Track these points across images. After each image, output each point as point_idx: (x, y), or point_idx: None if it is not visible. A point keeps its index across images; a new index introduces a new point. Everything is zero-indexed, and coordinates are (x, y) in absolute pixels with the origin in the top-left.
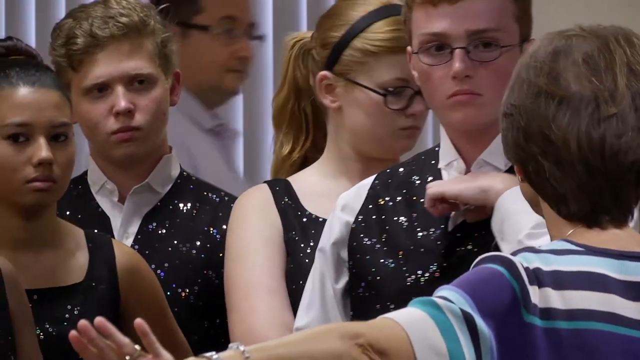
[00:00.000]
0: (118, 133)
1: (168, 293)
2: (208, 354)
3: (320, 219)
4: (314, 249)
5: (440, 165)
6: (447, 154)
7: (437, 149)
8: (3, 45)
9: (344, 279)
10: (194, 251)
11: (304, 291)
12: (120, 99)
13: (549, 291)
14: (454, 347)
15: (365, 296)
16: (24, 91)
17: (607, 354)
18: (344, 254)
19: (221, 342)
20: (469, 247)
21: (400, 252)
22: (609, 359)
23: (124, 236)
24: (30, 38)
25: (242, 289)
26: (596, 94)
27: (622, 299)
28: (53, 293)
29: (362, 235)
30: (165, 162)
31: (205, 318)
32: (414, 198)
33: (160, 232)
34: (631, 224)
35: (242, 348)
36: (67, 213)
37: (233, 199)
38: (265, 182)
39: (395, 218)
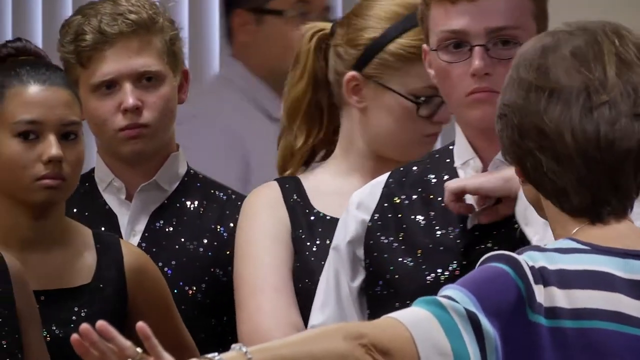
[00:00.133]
0: (126, 130)
1: (175, 291)
2: (210, 355)
3: (328, 217)
4: (320, 247)
5: (456, 164)
6: (463, 153)
7: (451, 147)
8: (12, 46)
9: (360, 278)
10: (201, 249)
11: (317, 289)
12: (129, 95)
13: (554, 290)
14: (459, 346)
15: (383, 294)
16: (34, 89)
17: (612, 353)
18: (360, 253)
19: (228, 339)
20: (489, 244)
21: (419, 251)
22: (614, 358)
23: (131, 234)
24: (37, 37)
25: (249, 288)
26: (586, 84)
27: (628, 298)
28: (60, 294)
29: (378, 233)
30: (173, 160)
31: (212, 316)
32: (431, 197)
33: (167, 229)
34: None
35: (244, 349)
36: (74, 211)
37: (240, 196)
38: (275, 179)
39: (413, 217)
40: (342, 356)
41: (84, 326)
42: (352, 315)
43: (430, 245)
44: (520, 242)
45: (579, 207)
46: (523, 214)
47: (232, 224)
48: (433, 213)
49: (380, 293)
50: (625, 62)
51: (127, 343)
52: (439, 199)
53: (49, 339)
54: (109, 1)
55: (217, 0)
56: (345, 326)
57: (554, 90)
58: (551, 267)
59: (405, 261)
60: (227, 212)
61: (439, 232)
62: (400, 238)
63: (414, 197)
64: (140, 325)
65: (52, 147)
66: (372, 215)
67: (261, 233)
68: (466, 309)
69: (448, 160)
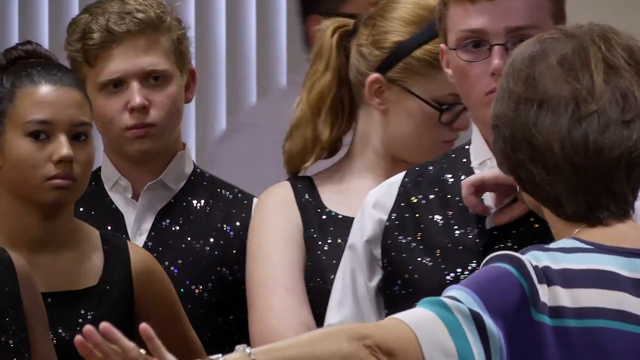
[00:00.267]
0: (133, 129)
1: (181, 290)
2: (214, 357)
3: (340, 216)
4: (332, 246)
5: (473, 164)
6: (480, 153)
7: (467, 147)
8: (23, 49)
9: (377, 277)
10: (208, 248)
11: (332, 288)
12: (136, 94)
13: (558, 289)
14: (463, 347)
15: (402, 294)
16: (45, 89)
17: (617, 351)
18: (377, 252)
19: (235, 338)
20: (509, 244)
21: (438, 251)
22: (619, 356)
23: (138, 233)
24: (44, 36)
25: (260, 288)
26: (575, 94)
27: (632, 297)
28: (67, 297)
29: (396, 233)
30: (179, 159)
31: (218, 315)
32: (448, 196)
33: (173, 228)
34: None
35: (248, 350)
36: (81, 210)
37: (246, 195)
38: (288, 179)
39: (430, 217)
40: (347, 357)
41: (88, 328)
42: (370, 315)
43: (449, 245)
44: (540, 239)
45: (574, 215)
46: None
47: (238, 223)
48: (451, 213)
49: (398, 292)
50: (613, 67)
51: (130, 344)
52: (457, 198)
53: (55, 341)
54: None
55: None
56: (350, 327)
57: (542, 101)
58: (555, 266)
59: (424, 261)
60: (234, 211)
61: (457, 232)
62: (419, 238)
63: (431, 196)
64: (143, 326)
65: (63, 147)
66: (390, 215)
67: (273, 234)
68: (470, 310)
69: (465, 160)
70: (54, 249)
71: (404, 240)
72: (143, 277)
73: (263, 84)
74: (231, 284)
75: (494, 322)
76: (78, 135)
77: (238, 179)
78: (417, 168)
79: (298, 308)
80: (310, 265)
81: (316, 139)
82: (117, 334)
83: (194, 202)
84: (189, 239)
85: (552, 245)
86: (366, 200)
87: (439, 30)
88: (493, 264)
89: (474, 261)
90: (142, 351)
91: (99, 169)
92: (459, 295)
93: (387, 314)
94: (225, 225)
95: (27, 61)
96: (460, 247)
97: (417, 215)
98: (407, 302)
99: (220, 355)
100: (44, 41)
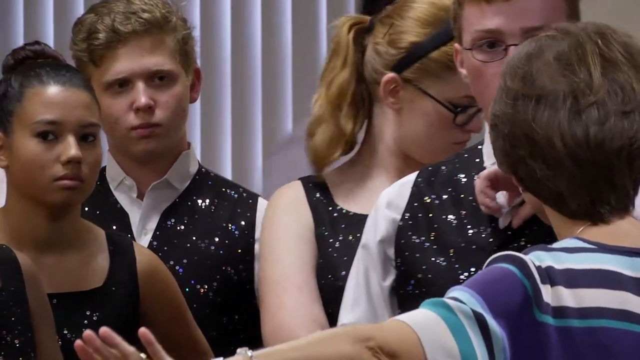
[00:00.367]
0: (138, 129)
1: (187, 289)
2: None
3: (351, 213)
4: (343, 243)
5: (485, 164)
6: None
7: (480, 147)
8: (31, 49)
9: (390, 277)
10: (213, 247)
11: (346, 288)
12: (141, 94)
13: (562, 289)
14: (466, 348)
15: (415, 294)
16: (54, 90)
17: (620, 351)
18: (391, 252)
19: (240, 338)
20: (522, 243)
21: (451, 250)
22: (622, 356)
23: (143, 232)
24: (49, 38)
25: (272, 287)
26: (572, 87)
27: (635, 296)
28: (73, 298)
29: (409, 233)
30: (184, 158)
31: (224, 314)
32: (461, 196)
33: (178, 228)
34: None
35: (250, 353)
36: (86, 209)
37: (251, 195)
38: (299, 178)
39: (444, 216)
40: (350, 359)
41: (87, 333)
42: (383, 315)
43: (463, 245)
44: (553, 238)
45: (578, 211)
46: None
47: (243, 222)
48: (464, 212)
49: (411, 292)
50: (610, 61)
51: (130, 349)
52: (470, 198)
53: (60, 342)
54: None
55: None
56: (352, 329)
57: (540, 96)
58: (558, 266)
59: (437, 261)
60: (239, 210)
61: (470, 231)
62: (432, 238)
63: (444, 196)
64: (143, 331)
65: (71, 148)
66: (403, 215)
67: (284, 233)
68: (473, 310)
69: (477, 160)
70: (60, 250)
71: (417, 240)
72: (148, 278)
73: (268, 84)
74: (236, 283)
75: (497, 323)
76: (86, 136)
77: None
78: (429, 168)
79: (310, 305)
80: (322, 262)
81: (340, 134)
82: (117, 338)
83: (199, 201)
84: (194, 238)
85: (555, 245)
86: (379, 200)
87: (454, 30)
88: (496, 265)
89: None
90: (143, 355)
91: (104, 168)
92: (462, 296)
93: (401, 314)
94: (230, 225)
95: (35, 61)
96: (474, 247)
97: (431, 215)
98: (421, 302)
99: (221, 358)
100: (49, 41)
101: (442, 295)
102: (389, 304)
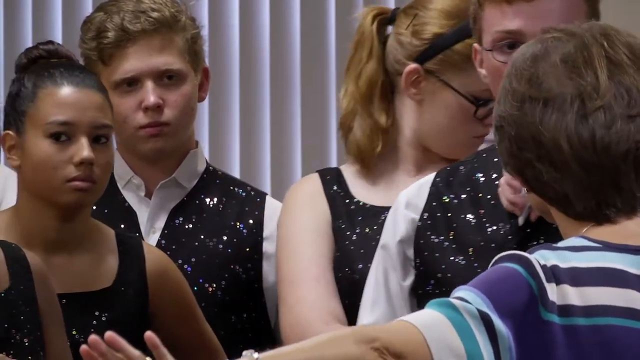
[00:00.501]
0: (147, 128)
1: (195, 288)
2: None
3: (368, 206)
4: (360, 235)
5: None
6: None
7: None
8: (44, 49)
9: (410, 277)
10: (221, 246)
11: (365, 288)
12: (150, 94)
13: (567, 288)
14: (472, 347)
15: (435, 293)
16: (67, 90)
17: (626, 349)
18: (410, 252)
19: (248, 336)
20: (541, 240)
21: (470, 249)
22: (628, 354)
23: (151, 231)
24: (57, 36)
25: (289, 280)
26: (579, 90)
27: None
28: (82, 298)
29: (428, 232)
30: (192, 157)
31: (232, 313)
32: (480, 195)
33: (187, 227)
34: None
35: (255, 355)
36: (94, 208)
37: (259, 193)
38: (317, 170)
39: (463, 216)
40: None
41: (93, 337)
42: (403, 315)
43: (482, 243)
44: None
45: (583, 213)
46: None
47: (251, 221)
48: (483, 211)
49: (431, 292)
50: (616, 64)
51: (136, 353)
52: (488, 197)
53: (69, 343)
54: None
55: None
56: (358, 330)
57: (547, 99)
58: (563, 265)
59: (456, 260)
60: (247, 208)
61: (489, 230)
62: (451, 237)
63: (463, 196)
64: (149, 334)
65: (84, 149)
66: (422, 215)
67: (301, 227)
68: (479, 310)
69: (496, 160)
70: (69, 250)
71: (436, 240)
72: (157, 278)
73: (276, 83)
74: (244, 282)
75: (503, 322)
76: (98, 138)
77: None
78: (448, 168)
79: (327, 298)
80: (339, 255)
81: (376, 126)
82: (123, 342)
83: (207, 200)
84: (202, 237)
85: (560, 244)
86: (398, 200)
87: (473, 31)
88: (501, 264)
89: None
90: (148, 359)
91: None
92: (467, 296)
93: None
94: (238, 223)
95: (48, 61)
96: (493, 245)
97: (449, 214)
98: None
99: None
100: (57, 39)
101: None
102: (408, 304)
